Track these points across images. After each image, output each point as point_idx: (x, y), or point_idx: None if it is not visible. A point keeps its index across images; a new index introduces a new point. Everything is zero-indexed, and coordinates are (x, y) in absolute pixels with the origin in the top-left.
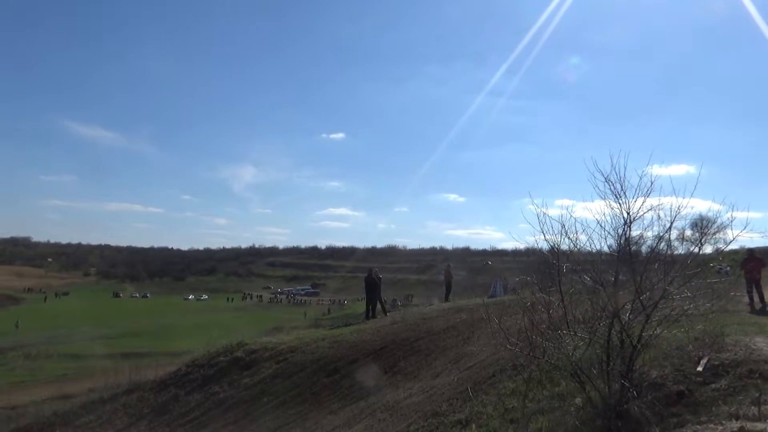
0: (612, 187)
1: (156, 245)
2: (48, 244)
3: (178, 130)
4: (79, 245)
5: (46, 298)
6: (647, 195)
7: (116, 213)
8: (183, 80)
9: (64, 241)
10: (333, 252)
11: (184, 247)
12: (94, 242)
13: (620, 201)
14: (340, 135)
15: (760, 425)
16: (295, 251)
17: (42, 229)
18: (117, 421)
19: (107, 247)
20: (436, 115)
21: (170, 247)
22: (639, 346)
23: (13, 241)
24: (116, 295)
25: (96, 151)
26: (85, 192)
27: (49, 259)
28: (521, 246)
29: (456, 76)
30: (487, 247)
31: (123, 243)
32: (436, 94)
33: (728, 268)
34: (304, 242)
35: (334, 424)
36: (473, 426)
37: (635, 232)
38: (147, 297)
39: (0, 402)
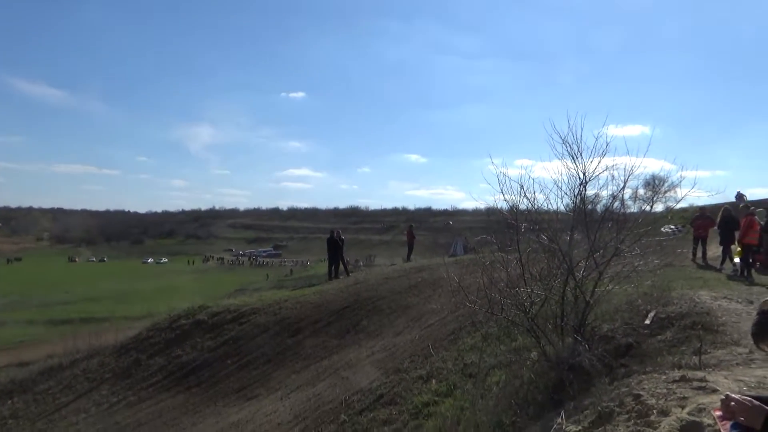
0: (569, 148)
1: (112, 208)
2: None
3: (130, 88)
4: (29, 209)
5: None
6: (603, 155)
7: (68, 175)
8: (134, 35)
9: (13, 204)
10: (295, 213)
11: (142, 210)
12: (46, 206)
13: (577, 161)
14: (301, 94)
15: (700, 373)
16: (256, 213)
17: None
18: (78, 386)
19: (60, 210)
20: (398, 74)
21: (127, 210)
22: (592, 302)
23: None
24: (72, 260)
25: (43, 110)
26: (34, 153)
27: None
28: (481, 206)
29: (417, 34)
30: (448, 207)
31: (77, 206)
32: (397, 52)
33: (680, 228)
34: (266, 204)
35: (297, 383)
36: (433, 381)
37: (591, 192)
38: (104, 261)
39: None
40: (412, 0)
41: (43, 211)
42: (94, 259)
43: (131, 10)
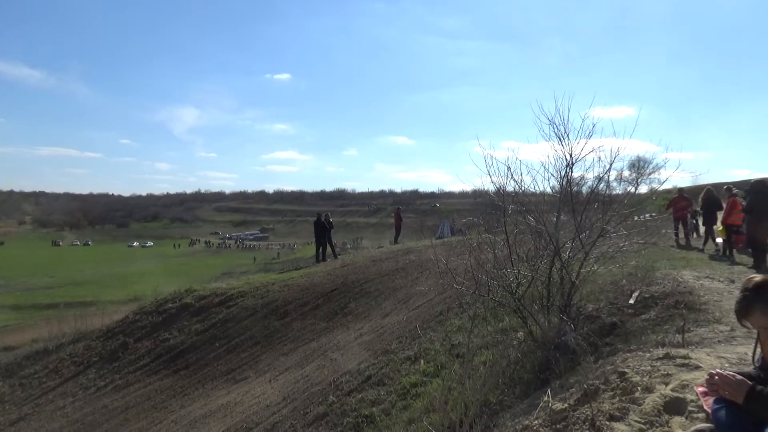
0: (556, 129)
1: (95, 191)
2: None
3: (111, 69)
4: (11, 192)
5: None
6: (589, 137)
7: (50, 158)
8: (117, 15)
9: None
10: (281, 196)
11: (126, 193)
12: (28, 189)
13: (563, 143)
14: (286, 76)
15: (683, 351)
16: (242, 196)
17: None
18: (64, 370)
19: (42, 194)
20: (384, 56)
21: (111, 193)
22: (577, 282)
23: None
24: (56, 244)
25: (23, 92)
26: (14, 136)
27: None
28: (468, 188)
29: (403, 14)
30: (435, 189)
31: (59, 189)
32: (383, 34)
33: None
34: (252, 186)
35: (286, 365)
36: (422, 362)
37: (577, 174)
38: (89, 245)
39: None
40: None
41: (24, 195)
42: (78, 242)
43: None
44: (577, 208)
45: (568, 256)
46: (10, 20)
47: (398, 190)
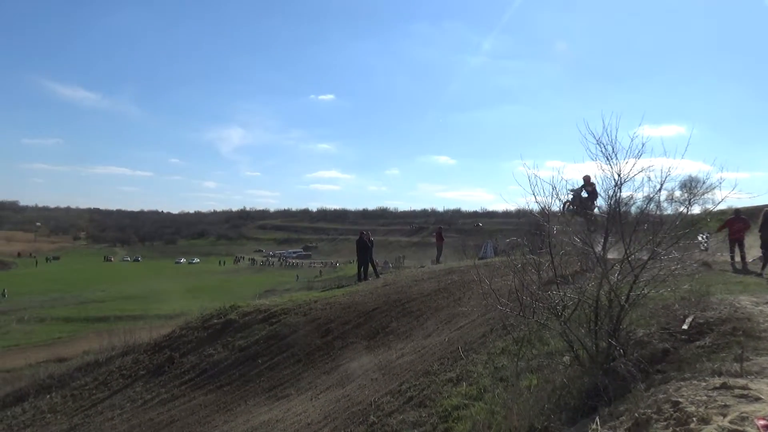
0: (603, 149)
1: (146, 209)
2: (36, 208)
3: (162, 91)
4: (68, 209)
5: (37, 263)
6: (638, 157)
7: (104, 176)
8: (165, 40)
9: (52, 204)
10: (324, 215)
11: (175, 211)
12: (83, 206)
13: (611, 163)
14: (330, 96)
15: (741, 381)
16: (286, 214)
17: (29, 193)
18: (113, 383)
19: (96, 210)
20: (427, 76)
21: (160, 210)
22: (626, 306)
23: (1, 206)
24: (107, 259)
25: (79, 114)
26: (71, 155)
27: (38, 224)
28: (512, 208)
29: (445, 35)
30: (477, 209)
31: (112, 206)
32: (425, 54)
33: (708, 236)
34: (295, 205)
35: (327, 384)
36: (464, 384)
37: (625, 194)
38: (138, 261)
39: None
40: (440, 2)
41: (80, 211)
42: (129, 258)
43: (163, 15)
44: (626, 228)
45: (617, 279)
46: (69, 46)
47: (440, 209)
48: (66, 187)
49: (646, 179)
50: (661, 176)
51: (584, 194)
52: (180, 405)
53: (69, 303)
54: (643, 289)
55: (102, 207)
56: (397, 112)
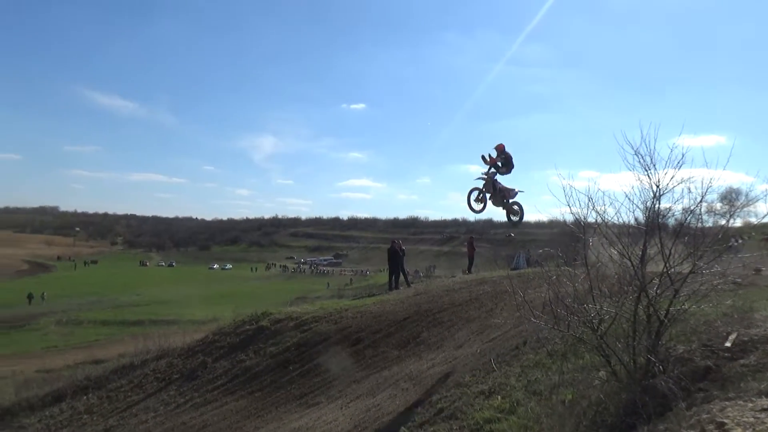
0: (641, 160)
1: (180, 215)
2: (75, 214)
3: (197, 100)
4: (105, 215)
5: (75, 267)
6: (678, 167)
7: (140, 183)
8: (200, 50)
9: (90, 210)
10: (355, 223)
11: (208, 217)
12: (120, 212)
13: (649, 173)
14: (361, 105)
15: None
16: (317, 222)
17: (69, 198)
18: (147, 385)
19: (133, 216)
20: (457, 84)
21: (194, 217)
22: (666, 321)
23: (42, 210)
24: (143, 264)
25: (118, 122)
26: (109, 162)
27: (77, 229)
28: (544, 218)
29: (476, 44)
30: None
31: (148, 213)
32: (456, 62)
33: (740, 241)
34: (326, 213)
35: (358, 393)
36: (498, 397)
37: (664, 205)
38: (172, 266)
39: (35, 366)
40: (472, 11)
41: (117, 217)
42: (164, 263)
43: (198, 27)
44: (665, 241)
45: (656, 293)
46: (108, 57)
47: (471, 218)
48: (104, 193)
49: (686, 191)
50: (702, 188)
51: (499, 164)
52: (212, 410)
53: (106, 306)
54: (683, 304)
55: (138, 213)
56: (428, 120)
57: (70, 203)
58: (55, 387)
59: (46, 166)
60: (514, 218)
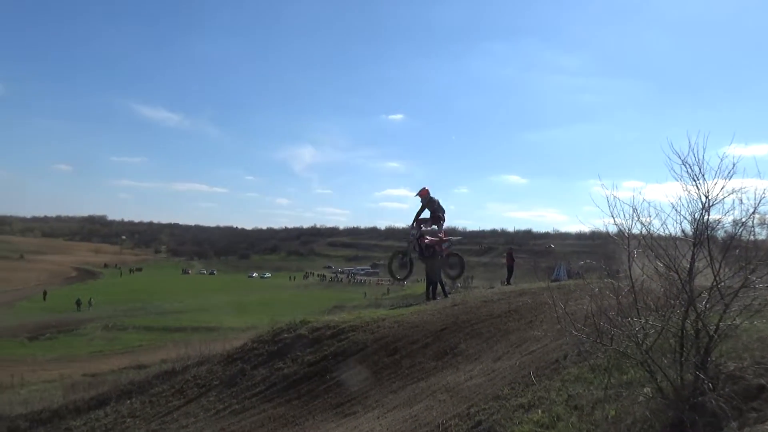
0: (689, 170)
1: (221, 224)
2: (122, 223)
3: (238, 112)
4: (150, 224)
5: (121, 274)
6: (728, 178)
7: (183, 193)
8: (241, 64)
9: (136, 219)
10: (392, 233)
11: (248, 227)
12: (164, 221)
13: (698, 184)
14: (400, 116)
15: None
16: (355, 231)
17: (116, 208)
18: (188, 391)
19: (176, 225)
20: (498, 94)
21: (235, 226)
22: (716, 337)
23: (91, 220)
24: (185, 272)
25: (162, 133)
26: (154, 173)
27: (123, 237)
28: (586, 229)
29: (520, 53)
30: (549, 230)
31: (190, 222)
32: (499, 73)
33: None
34: (364, 223)
35: (394, 403)
36: (538, 411)
37: (714, 217)
38: (214, 274)
39: (81, 370)
40: (514, 21)
41: (161, 226)
42: (205, 271)
43: (238, 41)
44: (715, 254)
45: (705, 307)
46: (154, 71)
47: (510, 229)
48: (149, 203)
49: (737, 202)
50: (755, 198)
51: (426, 213)
52: (250, 417)
53: (149, 313)
54: (734, 319)
55: (181, 222)
56: (467, 130)
57: (117, 212)
58: (101, 391)
59: (95, 176)
60: (452, 272)
